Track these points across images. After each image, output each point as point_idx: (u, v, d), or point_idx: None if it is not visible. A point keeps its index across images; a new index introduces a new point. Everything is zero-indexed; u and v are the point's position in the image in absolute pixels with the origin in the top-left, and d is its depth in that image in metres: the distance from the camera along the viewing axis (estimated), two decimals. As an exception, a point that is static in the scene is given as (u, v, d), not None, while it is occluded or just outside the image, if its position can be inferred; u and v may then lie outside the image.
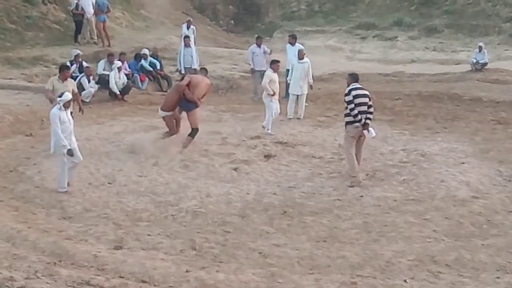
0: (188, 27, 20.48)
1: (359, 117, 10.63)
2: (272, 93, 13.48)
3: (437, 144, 12.59)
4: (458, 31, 26.95)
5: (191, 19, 21.86)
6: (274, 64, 13.81)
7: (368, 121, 10.74)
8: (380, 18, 28.84)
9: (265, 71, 16.94)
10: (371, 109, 10.88)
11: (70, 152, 9.97)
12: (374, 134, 10.99)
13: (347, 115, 10.81)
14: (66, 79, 11.57)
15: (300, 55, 15.18)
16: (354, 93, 10.72)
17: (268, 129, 13.35)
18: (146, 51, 18.75)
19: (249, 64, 17.47)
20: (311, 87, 15.30)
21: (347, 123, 10.84)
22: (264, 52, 17.13)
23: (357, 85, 10.89)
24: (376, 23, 28.46)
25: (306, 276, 7.19)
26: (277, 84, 13.72)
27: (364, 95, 10.81)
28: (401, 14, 28.68)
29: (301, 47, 16.38)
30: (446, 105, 15.98)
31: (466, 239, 8.28)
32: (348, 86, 10.92)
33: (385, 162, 11.63)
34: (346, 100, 10.77)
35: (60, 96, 10.01)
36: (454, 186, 10.14)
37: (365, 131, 10.72)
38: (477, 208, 9.29)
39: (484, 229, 8.62)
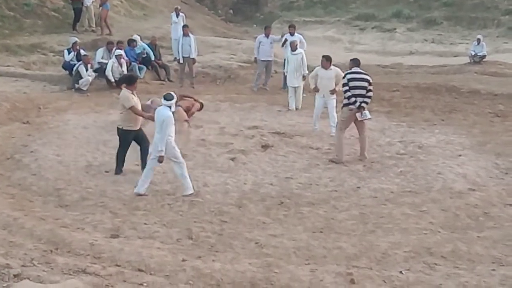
0: (177, 15, 20.19)
1: (353, 99, 10.94)
2: (313, 87, 13.04)
3: (434, 136, 12.60)
4: (457, 23, 26.95)
5: (179, 7, 21.58)
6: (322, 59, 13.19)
7: (364, 104, 11.00)
8: (379, 10, 28.83)
9: (270, 61, 16.92)
10: (370, 94, 11.13)
11: (162, 160, 9.54)
12: (369, 117, 11.23)
13: (344, 97, 11.17)
14: (135, 89, 10.65)
15: (293, 47, 14.91)
16: (349, 76, 11.07)
17: (314, 125, 13.02)
18: (136, 37, 18.45)
19: (254, 53, 17.25)
20: (303, 77, 14.66)
21: (343, 105, 11.21)
22: (272, 42, 16.88)
23: (357, 70, 11.20)
24: (375, 14, 28.45)
25: (302, 267, 7.19)
26: (326, 81, 12.73)
27: (362, 79, 11.07)
28: (400, 5, 28.67)
29: (300, 37, 16.28)
30: (444, 97, 15.95)
31: (462, 231, 8.30)
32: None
33: (382, 153, 11.64)
34: (342, 82, 11.19)
35: (169, 99, 9.50)
36: (451, 178, 10.16)
37: (358, 114, 10.98)
38: (473, 200, 9.30)
39: (480, 222, 8.63)
